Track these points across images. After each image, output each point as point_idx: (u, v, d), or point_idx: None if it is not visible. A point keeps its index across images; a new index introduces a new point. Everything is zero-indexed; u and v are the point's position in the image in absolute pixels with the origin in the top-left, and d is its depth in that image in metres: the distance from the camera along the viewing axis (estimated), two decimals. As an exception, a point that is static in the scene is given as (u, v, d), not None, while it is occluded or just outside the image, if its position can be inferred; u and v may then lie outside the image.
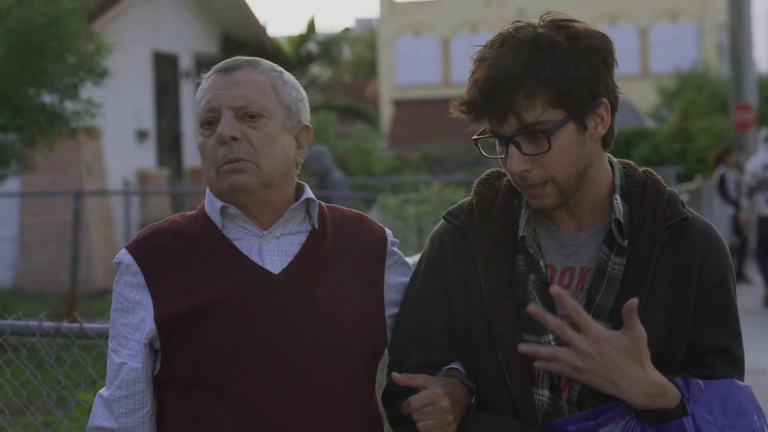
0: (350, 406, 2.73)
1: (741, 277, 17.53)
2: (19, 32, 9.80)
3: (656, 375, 2.50)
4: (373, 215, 14.03)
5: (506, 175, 2.77)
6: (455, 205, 2.82)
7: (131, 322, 2.74)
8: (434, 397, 2.59)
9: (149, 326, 2.71)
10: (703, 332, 2.64)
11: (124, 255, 2.77)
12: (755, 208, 15.49)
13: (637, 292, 2.61)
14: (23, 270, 16.77)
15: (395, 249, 2.91)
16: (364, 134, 29.14)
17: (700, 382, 2.55)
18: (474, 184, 2.82)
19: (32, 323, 4.08)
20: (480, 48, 2.64)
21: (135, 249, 2.77)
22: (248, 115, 2.74)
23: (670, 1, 43.31)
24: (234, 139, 2.71)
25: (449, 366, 2.73)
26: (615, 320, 2.60)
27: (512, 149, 2.59)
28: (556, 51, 2.56)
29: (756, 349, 11.07)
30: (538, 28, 2.61)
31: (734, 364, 2.66)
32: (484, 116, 2.60)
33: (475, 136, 2.67)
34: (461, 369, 2.72)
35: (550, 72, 2.55)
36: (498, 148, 2.65)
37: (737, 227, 17.67)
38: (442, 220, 2.82)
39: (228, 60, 2.82)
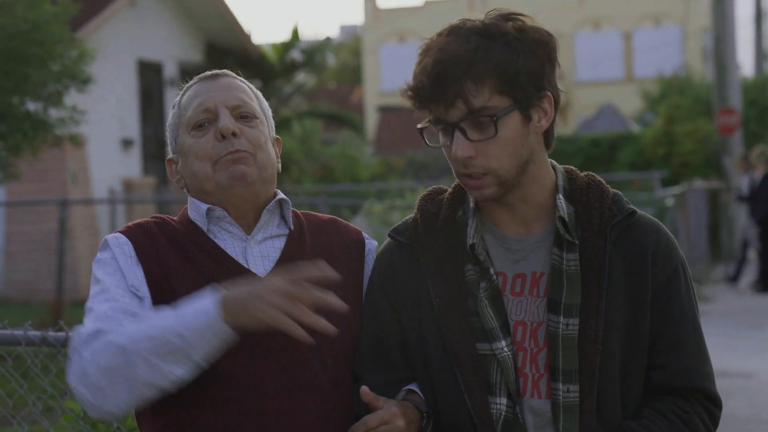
0: (334, 400, 2.74)
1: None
2: (1, 39, 9.76)
3: None
4: (359, 221, 14.06)
5: (447, 190, 2.80)
6: (400, 222, 2.84)
7: (131, 283, 2.74)
8: (390, 416, 2.61)
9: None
10: (663, 325, 2.67)
11: (116, 234, 2.80)
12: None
13: (597, 289, 2.64)
14: (8, 279, 16.73)
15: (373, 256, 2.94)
16: (350, 141, 29.12)
17: None
18: (417, 201, 2.82)
19: (18, 332, 4.07)
20: (426, 40, 2.66)
21: (126, 230, 2.81)
22: (242, 116, 2.84)
23: (654, 6, 43.40)
24: (234, 135, 2.79)
25: (407, 387, 2.74)
26: (585, 315, 2.63)
27: (458, 135, 2.61)
28: (505, 40, 2.60)
29: (742, 352, 11.23)
30: (485, 20, 2.64)
31: (698, 356, 2.70)
32: (432, 102, 2.61)
33: (420, 125, 2.68)
34: (418, 391, 2.73)
35: (499, 58, 2.58)
36: (442, 138, 2.67)
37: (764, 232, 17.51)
38: (388, 238, 2.83)
39: (209, 71, 2.92)
